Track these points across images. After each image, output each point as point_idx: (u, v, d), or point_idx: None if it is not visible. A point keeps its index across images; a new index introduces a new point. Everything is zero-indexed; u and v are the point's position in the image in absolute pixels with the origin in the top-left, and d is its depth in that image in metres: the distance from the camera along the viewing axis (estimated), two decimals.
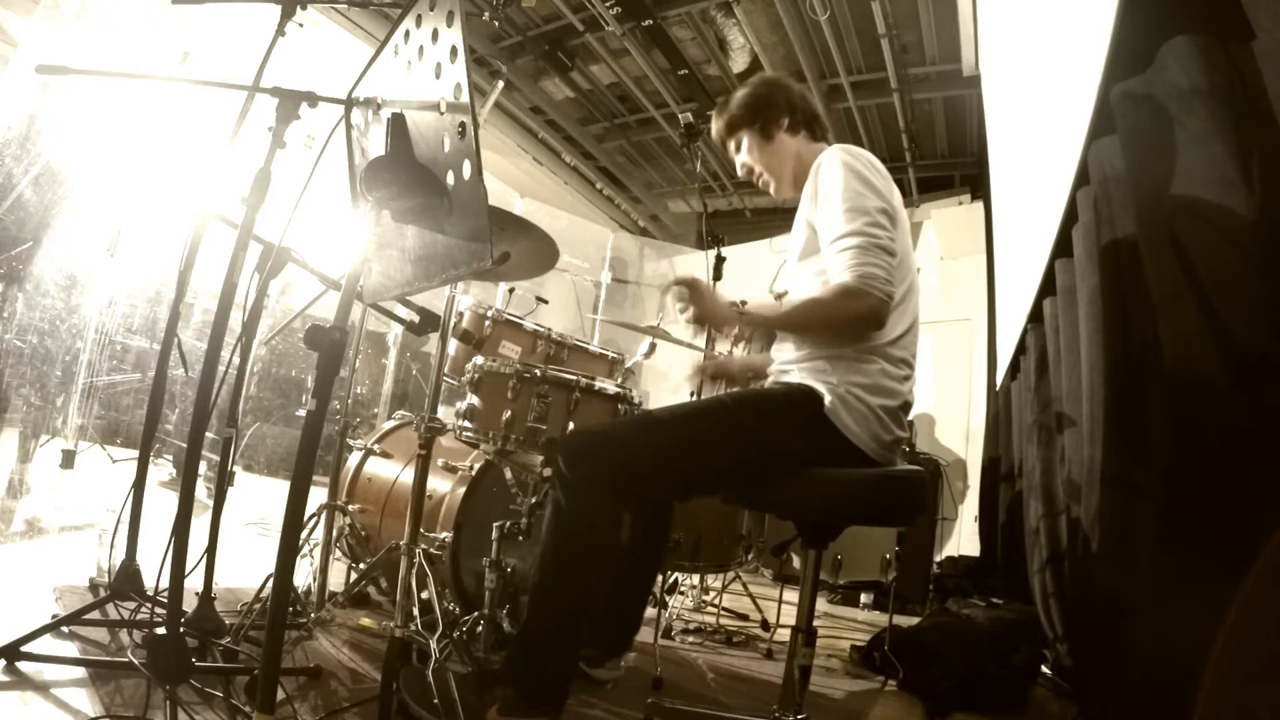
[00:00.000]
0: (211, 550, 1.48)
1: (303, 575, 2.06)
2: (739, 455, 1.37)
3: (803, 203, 1.53)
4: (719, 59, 4.76)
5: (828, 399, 1.36)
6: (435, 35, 0.91)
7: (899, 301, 1.42)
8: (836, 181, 1.41)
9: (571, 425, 1.69)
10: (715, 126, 1.72)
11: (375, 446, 2.31)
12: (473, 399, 1.75)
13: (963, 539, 4.61)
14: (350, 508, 2.20)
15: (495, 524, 1.71)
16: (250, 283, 1.29)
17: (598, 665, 1.72)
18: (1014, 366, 3.39)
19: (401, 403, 5.00)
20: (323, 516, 2.11)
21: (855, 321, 1.36)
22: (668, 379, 5.70)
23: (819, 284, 1.45)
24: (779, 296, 1.79)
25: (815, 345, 1.44)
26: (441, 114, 0.91)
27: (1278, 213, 1.08)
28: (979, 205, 5.04)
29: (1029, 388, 2.81)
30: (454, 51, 0.87)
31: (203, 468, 2.46)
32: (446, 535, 1.92)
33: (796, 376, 1.44)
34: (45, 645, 1.36)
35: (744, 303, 2.48)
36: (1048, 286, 2.36)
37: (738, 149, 1.69)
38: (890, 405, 1.39)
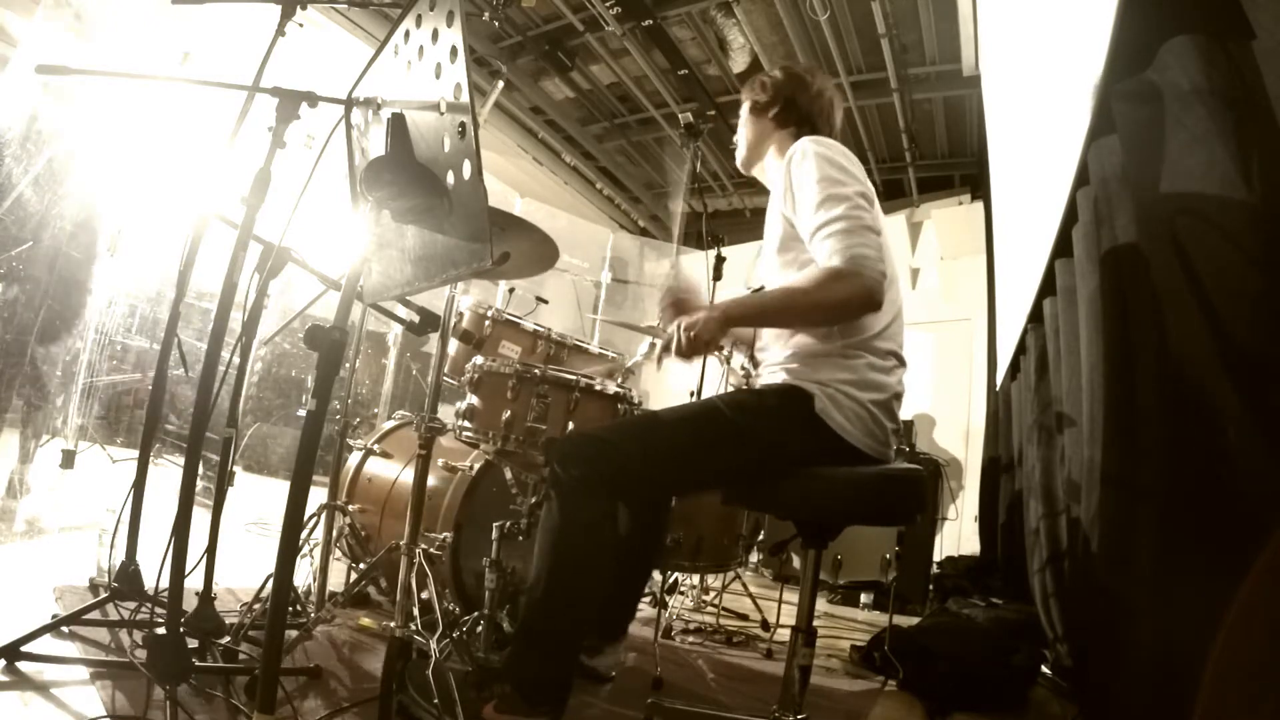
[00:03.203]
0: (211, 550, 1.48)
1: (303, 575, 2.06)
2: (734, 457, 1.37)
3: (775, 196, 1.53)
4: (719, 59, 4.76)
5: (818, 399, 1.35)
6: (435, 35, 0.91)
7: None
8: (810, 171, 1.40)
9: (571, 425, 1.70)
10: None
11: (375, 446, 2.31)
12: (473, 399, 1.75)
13: (963, 539, 4.61)
14: (350, 508, 2.20)
15: (495, 524, 1.71)
16: (250, 283, 1.29)
17: (596, 653, 1.73)
18: (1014, 366, 3.39)
19: (401, 403, 5.00)
20: (323, 516, 2.11)
21: (850, 304, 1.31)
22: (668, 379, 5.70)
23: (798, 276, 1.43)
24: (756, 292, 1.78)
25: (801, 344, 1.44)
26: (441, 114, 0.91)
27: (1278, 212, 1.08)
28: (979, 205, 5.04)
29: (1029, 388, 2.81)
30: (454, 51, 0.87)
31: (202, 467, 2.45)
32: (446, 535, 1.92)
33: (784, 377, 1.44)
34: (45, 645, 1.36)
35: None
36: (1048, 286, 2.36)
37: (740, 114, 1.75)
38: (880, 399, 1.39)
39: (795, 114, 1.64)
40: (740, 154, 1.73)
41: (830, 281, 1.30)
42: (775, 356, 1.50)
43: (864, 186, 1.40)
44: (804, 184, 1.41)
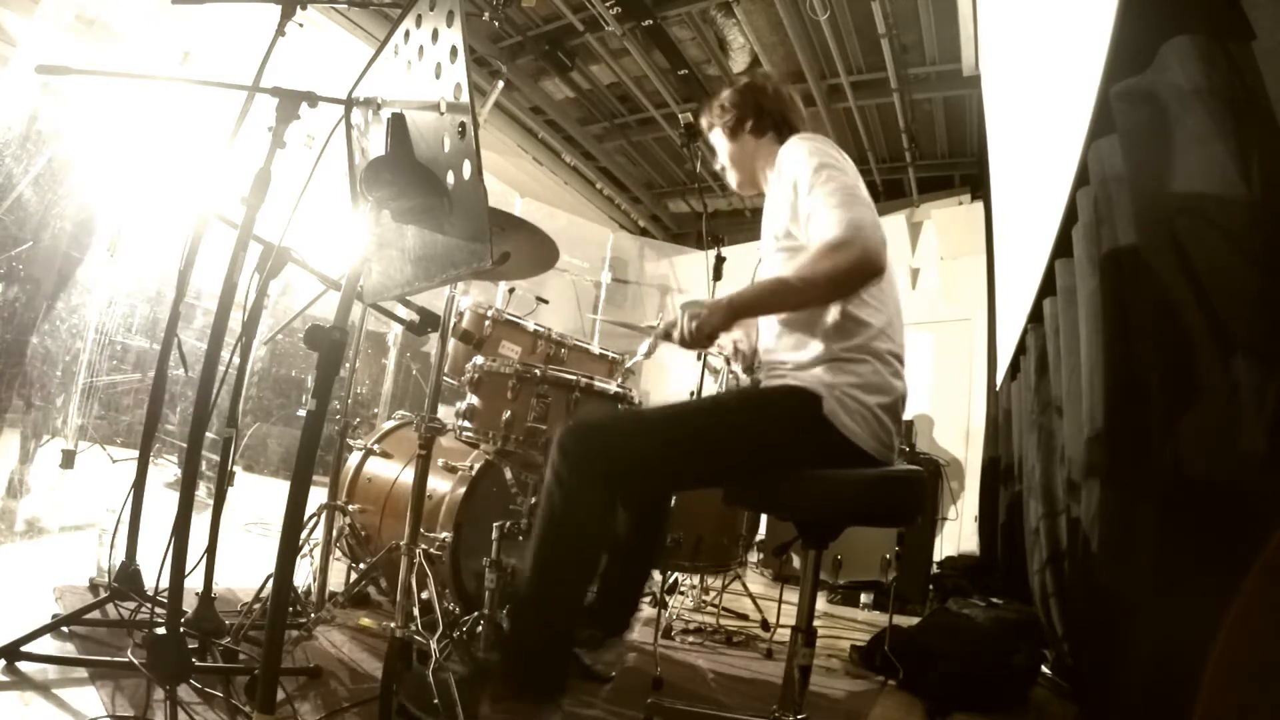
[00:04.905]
0: (211, 550, 1.48)
1: (303, 575, 2.06)
2: (738, 454, 1.37)
3: (771, 195, 1.54)
4: (719, 59, 4.76)
5: (826, 401, 1.35)
6: (435, 35, 0.91)
7: (878, 292, 1.42)
8: (802, 158, 1.42)
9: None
10: (700, 124, 1.79)
11: (375, 446, 2.31)
12: (473, 399, 1.75)
13: (963, 539, 4.61)
14: (350, 508, 2.20)
15: (495, 524, 1.70)
16: (250, 283, 1.29)
17: (598, 646, 1.72)
18: (1014, 366, 3.39)
19: (401, 403, 5.00)
20: (323, 516, 2.11)
21: (852, 272, 1.28)
22: (668, 379, 5.71)
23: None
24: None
25: (807, 349, 1.43)
26: (441, 114, 0.91)
27: (1278, 212, 1.08)
28: (979, 205, 5.04)
29: (1029, 388, 2.81)
30: (454, 51, 0.87)
31: (202, 467, 2.45)
32: (446, 535, 1.92)
33: (790, 380, 1.44)
34: (45, 645, 1.36)
35: None
36: (1048, 286, 2.36)
37: (714, 143, 1.75)
38: (886, 402, 1.39)
39: (768, 119, 1.65)
40: (735, 179, 1.72)
41: (830, 253, 1.28)
42: (781, 360, 1.50)
43: (854, 173, 1.42)
44: (799, 169, 1.42)
